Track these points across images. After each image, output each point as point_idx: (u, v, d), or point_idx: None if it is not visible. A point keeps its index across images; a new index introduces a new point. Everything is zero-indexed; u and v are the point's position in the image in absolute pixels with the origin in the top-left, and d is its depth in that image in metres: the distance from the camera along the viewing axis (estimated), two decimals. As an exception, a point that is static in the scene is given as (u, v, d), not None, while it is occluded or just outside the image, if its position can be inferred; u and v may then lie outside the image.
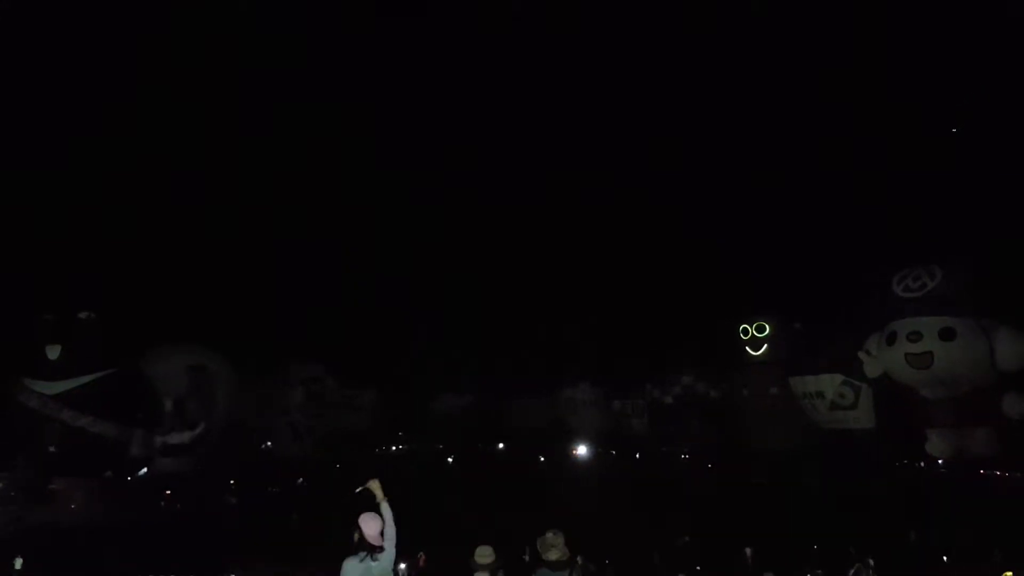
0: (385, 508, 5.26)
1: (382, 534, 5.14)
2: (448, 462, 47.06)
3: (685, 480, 32.27)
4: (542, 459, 45.41)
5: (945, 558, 13.10)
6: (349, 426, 42.62)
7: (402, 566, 14.10)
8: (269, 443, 39.87)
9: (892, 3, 38.91)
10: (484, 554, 5.98)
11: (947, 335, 21.21)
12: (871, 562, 12.36)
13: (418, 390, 46.59)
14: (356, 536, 5.17)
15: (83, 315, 27.25)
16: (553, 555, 5.74)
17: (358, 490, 5.39)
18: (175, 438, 30.25)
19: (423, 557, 14.35)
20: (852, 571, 12.28)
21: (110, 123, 41.10)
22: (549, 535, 5.86)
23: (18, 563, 15.59)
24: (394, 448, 53.67)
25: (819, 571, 13.32)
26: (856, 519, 17.79)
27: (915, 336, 21.60)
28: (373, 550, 5.06)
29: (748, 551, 15.18)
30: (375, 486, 5.35)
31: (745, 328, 30.56)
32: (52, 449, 25.60)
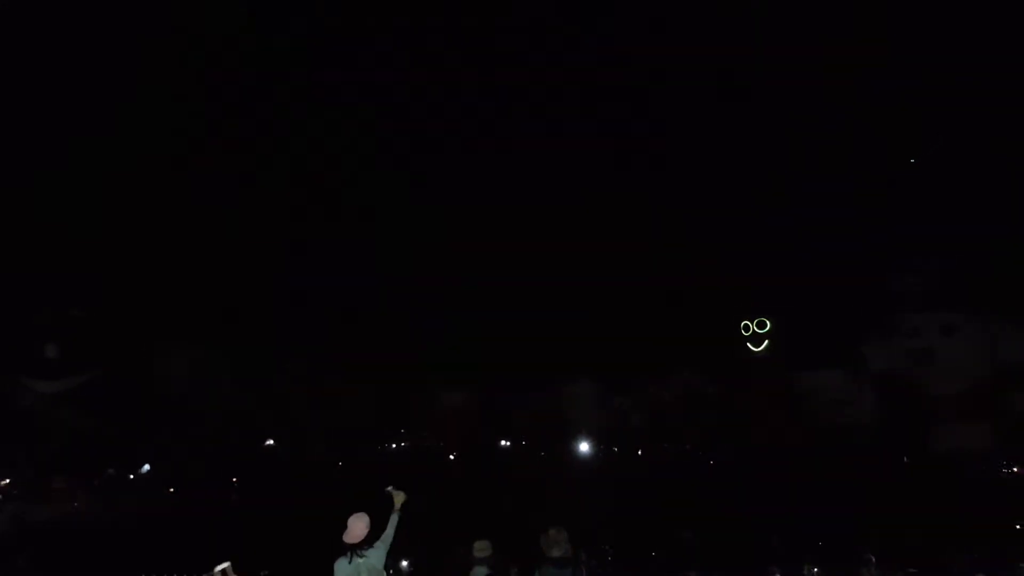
0: (394, 518, 5.63)
1: (369, 535, 5.40)
2: (450, 459, 47.05)
3: (686, 476, 32.27)
4: (543, 455, 45.42)
5: (946, 553, 13.11)
6: (350, 423, 42.65)
7: (403, 563, 14.13)
8: (271, 441, 39.91)
9: (893, 3, 38.87)
10: (482, 548, 6.04)
11: (948, 331, 21.23)
12: (872, 558, 12.33)
13: (419, 387, 46.60)
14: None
15: (79, 313, 27.26)
16: (556, 551, 5.72)
17: (387, 488, 5.79)
18: (174, 434, 30.26)
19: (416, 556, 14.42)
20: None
21: (109, 122, 41.03)
22: (552, 531, 5.83)
23: (20, 560, 15.60)
24: (395, 445, 53.70)
25: (815, 569, 13.29)
26: (857, 514, 17.78)
27: (916, 332, 21.63)
28: (354, 549, 5.31)
29: (775, 540, 15.22)
30: (399, 498, 5.71)
31: (746, 324, 30.52)
32: (52, 447, 25.63)
